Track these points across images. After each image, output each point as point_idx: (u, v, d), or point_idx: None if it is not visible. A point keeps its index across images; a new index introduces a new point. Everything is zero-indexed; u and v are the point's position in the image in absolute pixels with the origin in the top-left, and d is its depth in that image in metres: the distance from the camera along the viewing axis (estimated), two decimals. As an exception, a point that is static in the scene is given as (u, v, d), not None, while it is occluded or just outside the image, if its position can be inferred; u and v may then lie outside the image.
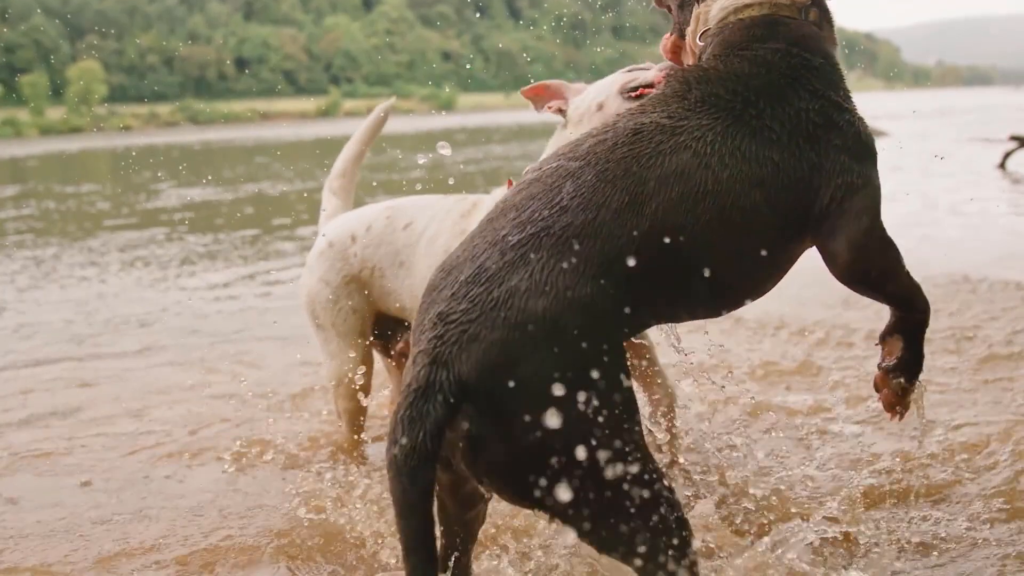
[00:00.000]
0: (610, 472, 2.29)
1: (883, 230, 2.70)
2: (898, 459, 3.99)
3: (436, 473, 2.27)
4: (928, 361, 5.01)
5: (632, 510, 2.35)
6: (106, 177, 30.80)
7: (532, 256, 2.37)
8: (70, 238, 14.17)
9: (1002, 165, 16.37)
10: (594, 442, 2.26)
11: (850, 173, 2.64)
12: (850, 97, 2.81)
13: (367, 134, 4.69)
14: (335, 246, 4.16)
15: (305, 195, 19.10)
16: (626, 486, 2.32)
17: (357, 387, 4.24)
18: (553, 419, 2.21)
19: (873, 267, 2.68)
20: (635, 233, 2.44)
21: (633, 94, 3.37)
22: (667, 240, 2.47)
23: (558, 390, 2.22)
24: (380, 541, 3.47)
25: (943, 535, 3.36)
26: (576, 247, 2.38)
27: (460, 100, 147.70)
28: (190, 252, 12.08)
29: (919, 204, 12.43)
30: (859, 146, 2.71)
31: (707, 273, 2.53)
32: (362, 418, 4.38)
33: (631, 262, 2.41)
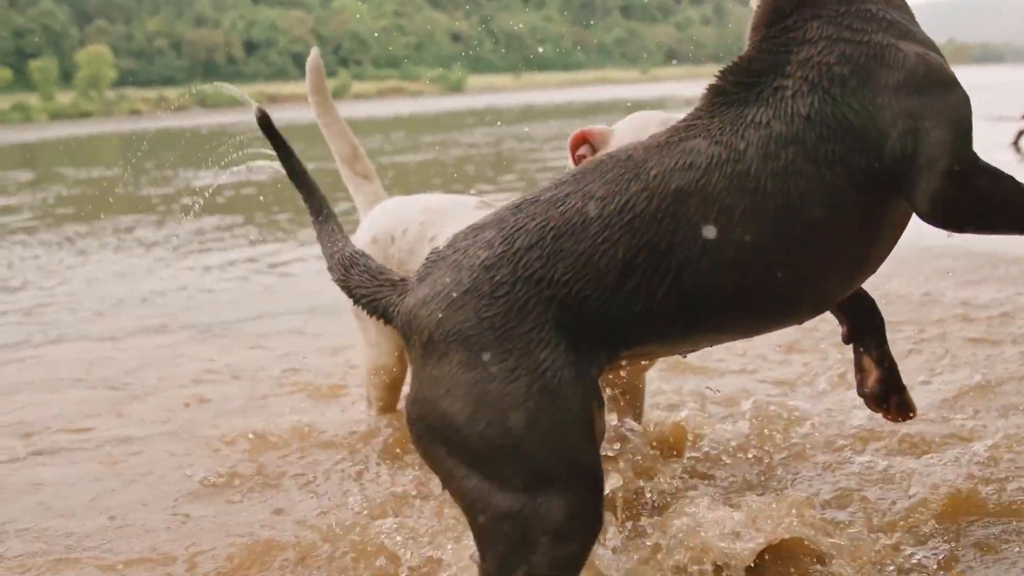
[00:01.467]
0: (479, 454, 2.21)
1: (971, 170, 2.36)
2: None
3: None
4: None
5: (486, 504, 2.22)
6: (118, 161, 30.80)
7: (512, 215, 2.34)
8: (86, 222, 14.19)
9: (1015, 144, 16.27)
10: (479, 411, 2.18)
11: (905, 115, 2.31)
12: (874, 25, 2.41)
13: (322, 101, 4.54)
14: (378, 243, 4.02)
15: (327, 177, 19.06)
16: (490, 474, 2.21)
17: (391, 379, 4.25)
18: (455, 371, 2.20)
19: (972, 214, 2.38)
20: (623, 196, 2.27)
21: None
22: (667, 209, 2.25)
23: (467, 345, 2.20)
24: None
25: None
26: (555, 208, 2.30)
27: (469, 81, 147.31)
28: (204, 234, 12.10)
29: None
30: (908, 80, 2.34)
31: (744, 251, 2.25)
32: (394, 407, 4.40)
33: (608, 228, 2.24)
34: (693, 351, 2.64)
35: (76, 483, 4.27)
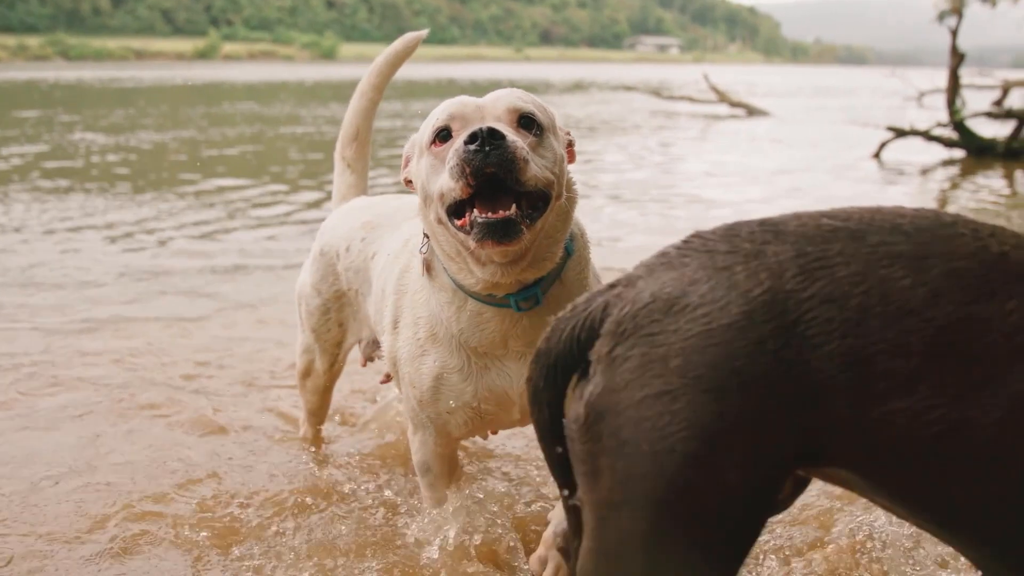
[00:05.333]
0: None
1: None
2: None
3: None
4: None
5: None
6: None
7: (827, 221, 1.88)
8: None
9: (877, 155, 16.68)
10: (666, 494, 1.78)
11: None
12: None
13: (380, 76, 4.08)
14: (326, 256, 3.79)
15: (196, 147, 18.64)
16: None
17: (322, 385, 4.08)
18: (671, 436, 1.75)
19: None
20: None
21: (436, 144, 2.73)
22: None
23: (700, 405, 1.73)
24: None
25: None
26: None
27: (342, 50, 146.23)
28: (67, 204, 11.70)
29: (802, 204, 12.61)
30: None
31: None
32: (324, 412, 4.29)
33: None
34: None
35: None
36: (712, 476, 1.74)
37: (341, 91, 41.51)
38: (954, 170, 15.77)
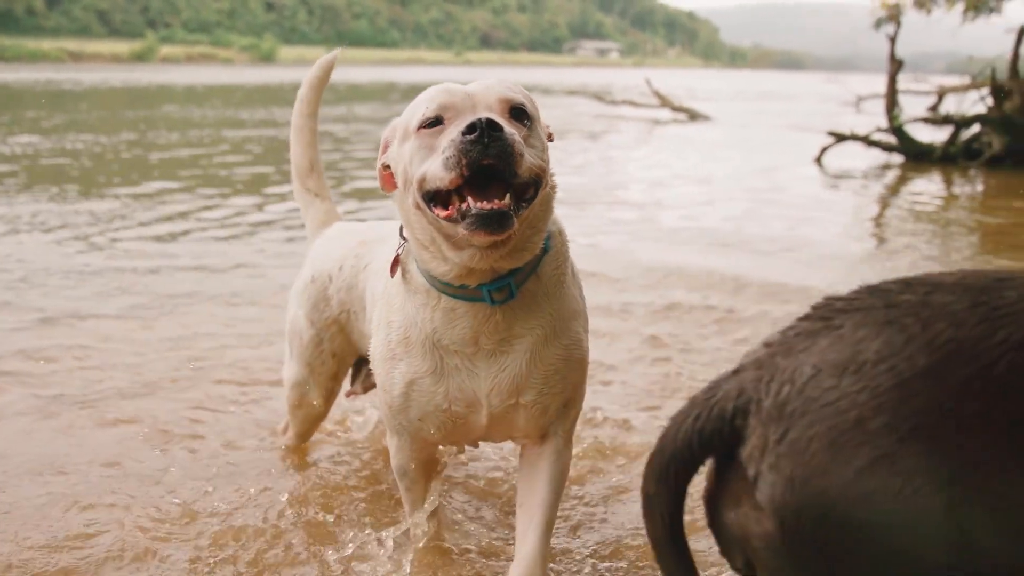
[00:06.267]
0: None
1: None
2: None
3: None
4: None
5: None
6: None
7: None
8: None
9: (818, 160, 16.90)
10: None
11: None
12: None
13: (310, 104, 4.10)
14: (317, 282, 3.75)
15: (139, 150, 18.43)
16: None
17: (315, 414, 4.05)
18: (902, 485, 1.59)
19: None
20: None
21: (425, 130, 2.63)
22: None
23: (926, 449, 1.59)
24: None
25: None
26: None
27: (282, 52, 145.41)
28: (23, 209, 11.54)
29: (745, 207, 12.66)
30: None
31: None
32: (312, 433, 4.26)
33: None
34: None
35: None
36: (984, 506, 1.55)
37: (281, 94, 41.23)
38: (893, 174, 16.06)
